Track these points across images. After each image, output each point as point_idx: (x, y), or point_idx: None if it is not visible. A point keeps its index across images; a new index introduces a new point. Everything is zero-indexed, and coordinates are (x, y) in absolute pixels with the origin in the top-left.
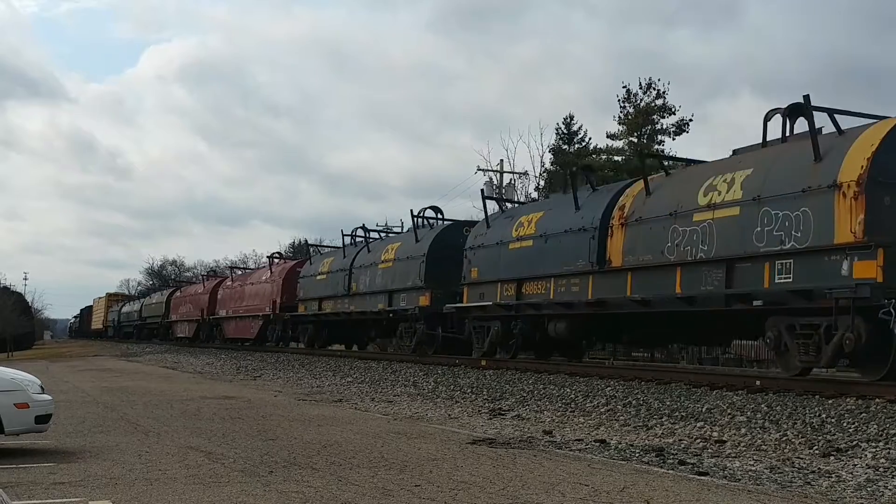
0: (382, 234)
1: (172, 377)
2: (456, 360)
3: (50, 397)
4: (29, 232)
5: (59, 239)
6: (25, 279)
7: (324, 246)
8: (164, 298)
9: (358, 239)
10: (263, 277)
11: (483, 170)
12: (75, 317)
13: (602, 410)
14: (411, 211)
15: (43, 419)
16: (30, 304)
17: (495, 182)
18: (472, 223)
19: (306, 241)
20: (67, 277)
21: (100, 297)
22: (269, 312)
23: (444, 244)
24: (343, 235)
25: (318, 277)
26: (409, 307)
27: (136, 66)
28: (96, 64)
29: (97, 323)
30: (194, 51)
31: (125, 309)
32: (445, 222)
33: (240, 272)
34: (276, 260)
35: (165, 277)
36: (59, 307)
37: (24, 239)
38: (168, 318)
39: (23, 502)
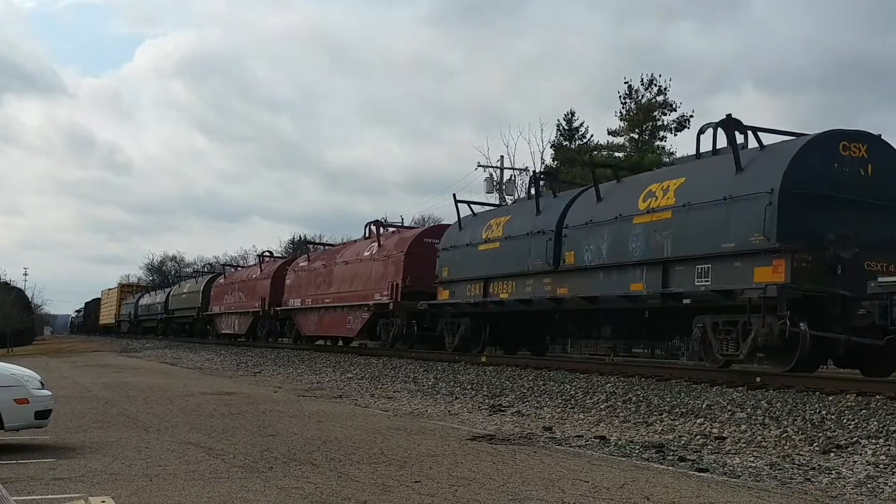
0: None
1: (172, 373)
2: (456, 357)
3: (50, 393)
4: (27, 227)
5: (58, 235)
6: (25, 275)
7: (482, 203)
8: (200, 287)
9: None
10: (366, 253)
11: (483, 166)
12: (77, 311)
13: (602, 407)
14: (728, 116)
15: (43, 415)
16: (30, 299)
17: (495, 178)
18: (855, 134)
19: (305, 237)
20: (66, 273)
21: (109, 289)
22: (386, 300)
23: (813, 171)
24: (535, 176)
25: (483, 247)
26: (733, 286)
27: (134, 60)
28: (94, 59)
29: (107, 317)
30: (192, 45)
31: (144, 301)
32: (804, 137)
33: (314, 249)
34: (384, 230)
35: (165, 273)
36: (58, 303)
37: (23, 234)
38: (208, 310)
39: (23, 498)
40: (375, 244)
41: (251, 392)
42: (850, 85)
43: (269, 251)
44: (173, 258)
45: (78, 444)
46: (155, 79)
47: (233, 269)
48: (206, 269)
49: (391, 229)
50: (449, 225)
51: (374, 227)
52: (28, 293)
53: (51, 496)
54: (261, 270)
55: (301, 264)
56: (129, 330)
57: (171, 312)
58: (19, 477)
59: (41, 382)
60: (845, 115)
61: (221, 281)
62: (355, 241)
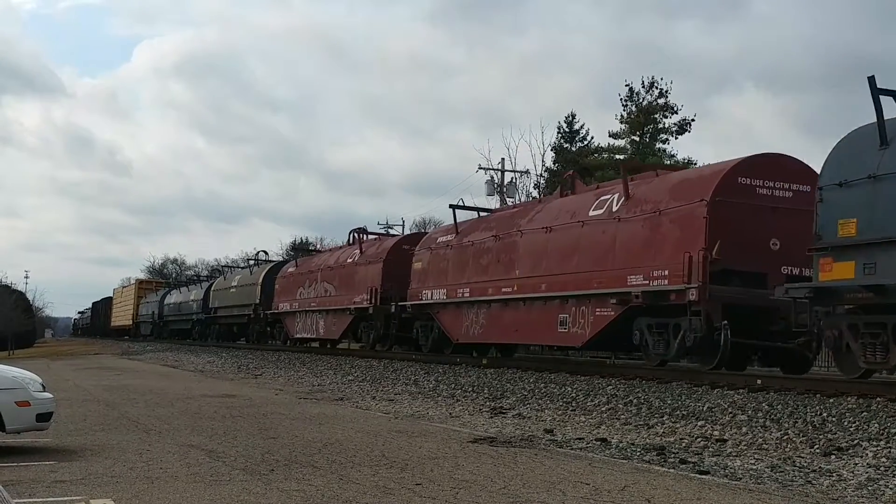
0: None
1: (173, 375)
2: (457, 359)
3: (51, 395)
4: (27, 229)
5: (58, 237)
6: (26, 277)
7: None
8: (258, 278)
9: None
10: (596, 211)
11: (484, 168)
12: (81, 312)
13: (603, 409)
14: None
15: (44, 417)
16: (31, 302)
17: (496, 181)
18: None
19: (306, 239)
20: (66, 275)
21: (124, 286)
22: (670, 286)
23: None
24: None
25: None
26: None
27: (133, 60)
28: (92, 59)
29: (121, 318)
30: (190, 44)
31: (172, 299)
32: None
33: (466, 217)
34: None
35: (166, 276)
36: (59, 305)
37: (23, 236)
38: (272, 308)
39: (24, 500)
40: (615, 196)
41: (252, 395)
42: (853, 84)
43: (363, 227)
44: (174, 260)
45: (79, 447)
46: (153, 79)
47: (306, 257)
48: (259, 259)
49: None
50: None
51: (571, 177)
52: (29, 296)
53: (52, 499)
54: (361, 252)
55: (441, 239)
56: (151, 333)
57: (212, 312)
58: (21, 479)
59: (42, 385)
60: (852, 114)
61: (291, 270)
62: (538, 200)
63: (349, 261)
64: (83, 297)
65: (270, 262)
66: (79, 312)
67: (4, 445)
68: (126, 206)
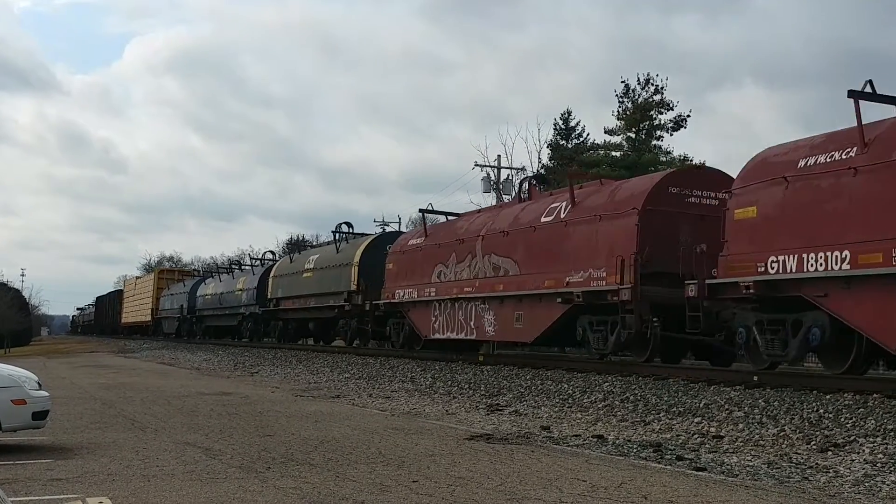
0: None
1: (170, 373)
2: (453, 356)
3: (47, 394)
4: (23, 228)
5: (53, 235)
6: (23, 275)
7: None
8: (352, 257)
9: None
10: None
11: (481, 165)
12: (80, 309)
13: (600, 406)
14: None
15: (40, 415)
16: (27, 300)
17: (493, 178)
18: None
19: (303, 236)
20: (63, 273)
21: (138, 277)
22: None
23: None
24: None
25: None
26: None
27: (126, 57)
28: (88, 56)
29: (136, 314)
30: (184, 40)
31: (208, 289)
32: None
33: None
34: None
35: None
36: (55, 303)
37: (18, 234)
38: (385, 296)
39: (20, 499)
40: None
41: (249, 392)
42: (853, 79)
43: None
44: (170, 258)
45: (75, 445)
46: (147, 76)
47: (440, 225)
48: (344, 232)
49: None
50: None
51: None
52: (25, 293)
53: (48, 497)
54: (574, 203)
55: (811, 160)
56: (178, 331)
57: (273, 303)
58: (17, 478)
59: (38, 383)
60: (852, 110)
61: (417, 241)
62: None
63: (547, 219)
64: (79, 296)
65: (365, 235)
66: (78, 309)
67: (1, 444)
68: (122, 204)
